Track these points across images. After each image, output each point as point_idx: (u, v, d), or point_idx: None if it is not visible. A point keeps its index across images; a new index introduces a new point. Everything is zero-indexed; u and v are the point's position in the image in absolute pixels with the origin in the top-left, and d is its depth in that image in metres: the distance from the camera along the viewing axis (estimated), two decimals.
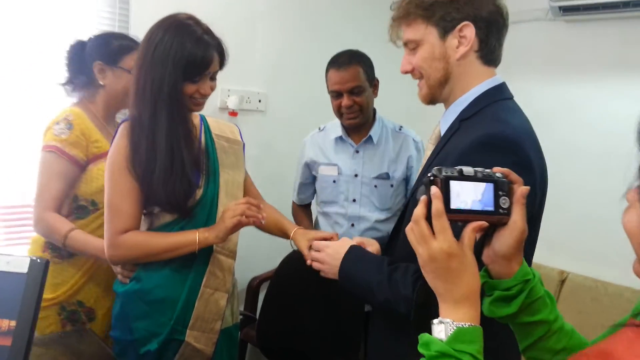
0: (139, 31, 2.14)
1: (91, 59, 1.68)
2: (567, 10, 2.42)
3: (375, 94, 2.00)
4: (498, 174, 0.77)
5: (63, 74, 1.73)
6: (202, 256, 1.46)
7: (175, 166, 1.37)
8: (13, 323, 1.27)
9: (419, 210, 0.75)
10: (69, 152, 1.60)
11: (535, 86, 2.71)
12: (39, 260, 1.31)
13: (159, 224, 1.45)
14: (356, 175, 2.02)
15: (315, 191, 2.19)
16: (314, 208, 2.27)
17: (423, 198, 0.75)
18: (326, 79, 1.98)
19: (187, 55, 1.34)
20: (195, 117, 1.52)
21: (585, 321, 2.28)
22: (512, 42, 2.69)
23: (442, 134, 1.17)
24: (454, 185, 0.74)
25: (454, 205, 0.74)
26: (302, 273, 2.07)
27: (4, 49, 1.92)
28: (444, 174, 0.74)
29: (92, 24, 2.10)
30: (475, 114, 1.09)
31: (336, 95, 1.95)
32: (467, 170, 0.76)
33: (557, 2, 2.41)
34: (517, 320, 0.81)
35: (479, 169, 0.76)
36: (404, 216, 1.21)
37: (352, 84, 1.89)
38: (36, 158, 1.99)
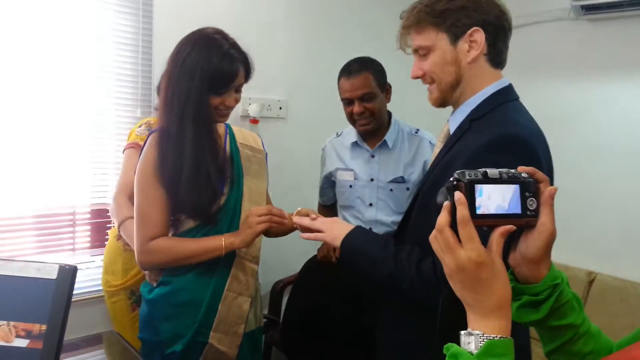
0: (162, 45, 2.23)
1: None
2: (589, 9, 2.38)
3: (387, 99, 2.01)
4: (524, 174, 0.74)
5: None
6: (226, 261, 1.50)
7: (201, 175, 1.42)
8: (44, 327, 1.33)
9: (443, 218, 0.71)
10: None
11: (558, 86, 2.68)
12: (67, 266, 1.37)
13: (182, 230, 1.49)
14: (372, 180, 2.03)
15: (334, 197, 2.22)
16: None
17: (446, 204, 0.71)
18: (338, 87, 2.01)
19: (213, 68, 1.38)
20: (221, 126, 1.56)
21: (614, 322, 2.23)
22: (534, 43, 2.73)
23: (451, 133, 1.21)
24: (479, 189, 0.70)
25: (479, 210, 0.70)
26: (324, 276, 2.11)
27: (30, 67, 1.99)
28: (467, 177, 0.70)
29: (114, 38, 2.17)
30: (486, 114, 1.13)
31: (347, 102, 1.97)
32: (492, 172, 0.72)
33: (579, 1, 2.38)
34: (544, 324, 0.78)
35: (503, 170, 0.73)
36: (410, 213, 1.24)
37: (363, 91, 1.91)
38: (67, 167, 2.08)
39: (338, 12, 2.84)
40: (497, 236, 0.70)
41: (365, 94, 1.90)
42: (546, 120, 2.62)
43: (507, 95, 1.16)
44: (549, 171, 1.11)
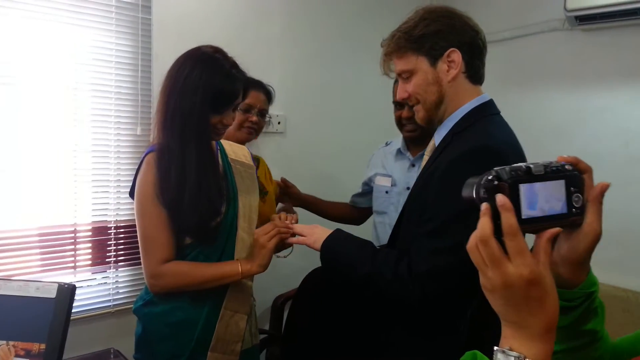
0: (161, 64, 2.26)
1: None
2: (583, 19, 2.40)
3: None
4: (567, 165, 0.66)
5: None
6: None
7: (203, 194, 1.42)
8: (43, 346, 1.33)
9: (487, 227, 0.61)
10: None
11: (554, 96, 2.69)
12: (66, 285, 1.38)
13: (178, 246, 1.48)
14: (408, 188, 2.05)
15: (366, 202, 2.30)
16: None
17: (486, 208, 0.62)
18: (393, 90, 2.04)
19: (216, 88, 1.40)
20: (212, 144, 1.58)
21: (617, 333, 2.21)
22: (530, 54, 2.75)
23: (436, 146, 1.29)
24: (524, 189, 0.62)
25: (525, 213, 0.61)
26: (324, 290, 2.11)
27: (32, 86, 2.02)
28: (510, 176, 0.62)
29: (114, 58, 2.20)
30: (466, 128, 1.20)
31: (398, 106, 2.00)
32: (536, 167, 0.63)
33: (573, 12, 2.39)
34: (564, 327, 0.73)
35: (546, 162, 0.64)
36: (402, 217, 1.32)
37: None
38: (68, 185, 2.10)
39: (335, 27, 2.88)
40: (544, 243, 0.62)
41: None
42: (543, 131, 2.68)
43: (487, 110, 1.24)
44: None
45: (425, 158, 1.37)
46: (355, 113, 3.00)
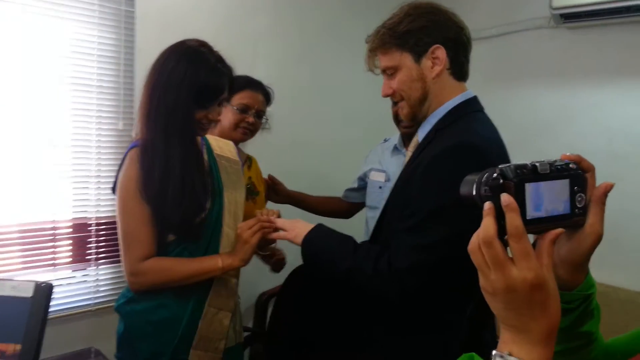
0: (144, 57, 2.22)
1: None
2: (568, 17, 2.41)
3: None
4: (571, 164, 0.64)
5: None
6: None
7: (187, 190, 1.39)
8: (18, 347, 1.29)
9: (490, 227, 0.59)
10: None
11: (541, 93, 2.70)
12: (43, 284, 1.34)
13: (162, 243, 1.46)
14: None
15: (359, 197, 2.30)
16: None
17: (489, 208, 0.59)
18: None
19: (201, 82, 1.38)
20: (197, 139, 1.55)
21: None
22: (516, 51, 2.76)
23: (419, 142, 1.28)
24: (530, 188, 0.60)
25: (530, 214, 0.59)
26: (308, 286, 2.09)
27: (10, 78, 1.97)
28: (516, 174, 0.59)
29: (96, 51, 2.15)
30: (450, 124, 1.20)
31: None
32: (542, 166, 0.61)
33: (559, 10, 2.40)
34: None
35: (551, 160, 0.62)
36: (385, 212, 1.32)
37: None
38: (47, 181, 2.05)
39: (322, 22, 2.85)
40: (547, 245, 0.60)
41: None
42: (530, 127, 2.69)
43: (471, 107, 1.24)
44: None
45: (409, 154, 1.36)
46: (341, 109, 2.99)
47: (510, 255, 0.60)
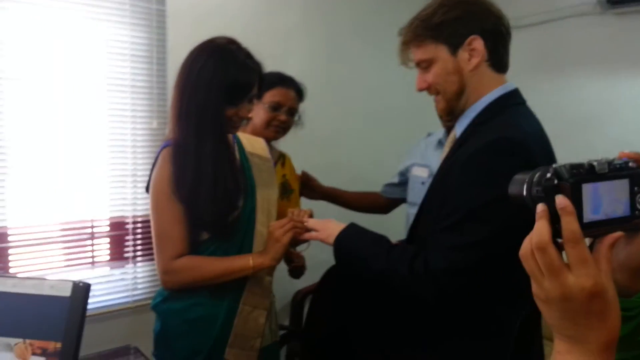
0: (176, 56, 2.21)
1: None
2: (615, 2, 2.29)
3: None
4: (631, 162, 0.60)
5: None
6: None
7: (219, 188, 1.39)
8: (59, 345, 1.31)
9: (545, 232, 0.55)
10: None
11: (585, 84, 2.59)
12: (80, 284, 1.35)
13: (196, 241, 1.46)
14: None
15: (399, 193, 2.24)
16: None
17: (542, 211, 0.56)
18: None
19: (231, 79, 1.37)
20: (229, 137, 1.54)
21: None
22: (560, 39, 2.65)
23: (457, 138, 1.23)
24: (587, 190, 0.56)
25: (587, 217, 0.56)
26: (344, 284, 2.07)
27: (48, 82, 2.01)
28: (571, 174, 0.56)
29: (129, 52, 2.17)
30: (489, 119, 1.15)
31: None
32: (600, 165, 0.58)
33: None
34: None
35: (609, 159, 0.59)
36: (422, 210, 1.28)
37: None
38: (85, 180, 2.08)
39: (354, 17, 2.81)
40: (606, 250, 0.56)
41: None
42: (575, 120, 2.58)
43: (511, 100, 1.18)
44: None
45: (446, 150, 1.32)
46: (374, 104, 2.94)
47: (565, 260, 0.56)
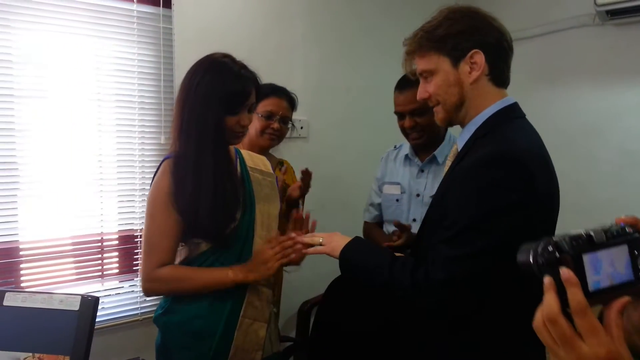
0: (183, 72, 2.25)
1: None
2: (614, 13, 2.31)
3: None
4: (627, 227, 0.63)
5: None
6: (240, 286, 1.49)
7: (219, 199, 1.43)
8: (67, 358, 1.34)
9: (554, 304, 0.57)
10: None
11: (586, 94, 2.60)
12: (89, 297, 1.39)
13: (196, 253, 1.50)
14: (418, 195, 2.00)
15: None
16: None
17: (549, 283, 0.59)
18: (393, 100, 2.01)
19: (227, 90, 1.42)
20: (230, 150, 1.58)
21: None
22: (559, 51, 2.67)
23: (458, 151, 1.26)
24: (588, 260, 0.59)
25: (592, 286, 0.59)
26: (351, 294, 2.08)
27: (58, 98, 2.06)
28: (571, 246, 0.59)
29: (137, 68, 2.23)
30: (489, 132, 1.18)
31: (400, 116, 1.97)
32: (597, 235, 0.61)
33: (604, 6, 2.31)
34: None
35: (606, 226, 0.62)
36: (424, 226, 1.31)
37: (413, 106, 1.88)
38: (94, 194, 2.13)
39: (358, 29, 2.84)
40: (615, 316, 0.58)
41: (415, 109, 1.89)
42: (575, 129, 2.59)
43: (510, 114, 1.21)
44: (547, 189, 1.15)
45: (448, 163, 1.34)
46: (379, 116, 2.95)
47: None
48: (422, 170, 2.02)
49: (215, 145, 1.44)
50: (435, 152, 1.99)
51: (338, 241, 1.33)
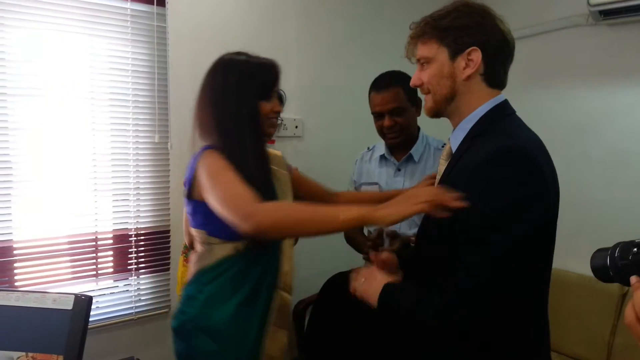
0: (177, 71, 2.28)
1: None
2: (607, 13, 2.32)
3: (418, 113, 2.00)
4: None
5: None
6: (267, 292, 1.44)
7: (263, 189, 1.33)
8: (61, 358, 1.35)
9: (630, 315, 0.64)
10: None
11: (579, 94, 2.61)
12: (82, 297, 1.39)
13: (217, 258, 1.41)
14: None
15: None
16: None
17: (637, 281, 0.67)
18: (369, 101, 2.01)
19: (256, 76, 1.42)
20: None
21: None
22: (554, 50, 2.69)
23: (453, 151, 1.25)
24: None
25: None
26: (345, 294, 2.09)
27: (52, 96, 2.06)
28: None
29: (130, 67, 2.22)
30: (485, 130, 1.17)
31: (378, 116, 1.98)
32: None
33: (597, 6, 2.32)
34: None
35: None
36: (426, 224, 1.28)
37: (392, 105, 1.90)
38: (88, 193, 2.12)
39: (351, 28, 2.85)
40: None
41: (395, 108, 1.91)
42: (569, 128, 2.61)
43: (504, 111, 1.21)
44: (552, 178, 1.14)
45: (443, 163, 1.31)
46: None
47: None
48: (399, 169, 2.03)
49: (254, 133, 1.41)
50: (411, 151, 2.00)
51: (375, 287, 1.21)
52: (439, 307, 1.09)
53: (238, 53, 1.48)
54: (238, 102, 1.39)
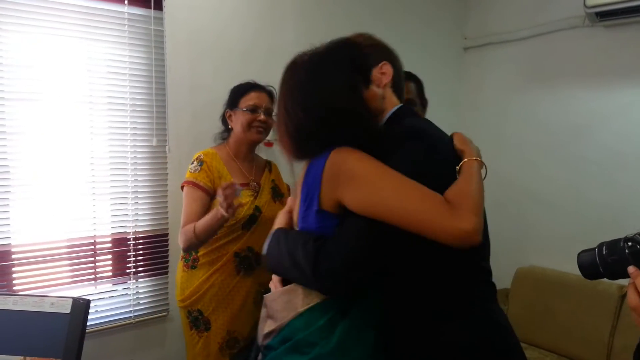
0: (175, 75, 2.28)
1: (224, 110, 2.09)
2: (604, 15, 2.33)
3: (423, 113, 2.03)
4: None
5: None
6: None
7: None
8: None
9: (634, 298, 0.72)
10: (200, 183, 1.95)
11: (575, 94, 2.62)
12: (80, 300, 1.39)
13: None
14: None
15: None
16: None
17: (635, 270, 0.73)
18: None
19: (353, 59, 1.27)
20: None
21: None
22: (551, 52, 2.70)
23: None
24: None
25: None
26: None
27: (50, 101, 2.06)
28: None
29: (128, 71, 2.23)
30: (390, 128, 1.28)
31: None
32: None
33: (594, 8, 2.33)
34: None
35: None
36: None
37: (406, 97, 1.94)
38: (86, 198, 2.13)
39: (350, 30, 2.84)
40: None
41: (407, 100, 1.94)
42: (566, 129, 2.61)
43: (407, 111, 1.32)
44: (447, 158, 1.20)
45: None
46: None
47: None
48: None
49: (370, 123, 1.20)
50: None
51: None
52: (310, 250, 1.09)
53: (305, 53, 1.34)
54: (342, 91, 1.21)
